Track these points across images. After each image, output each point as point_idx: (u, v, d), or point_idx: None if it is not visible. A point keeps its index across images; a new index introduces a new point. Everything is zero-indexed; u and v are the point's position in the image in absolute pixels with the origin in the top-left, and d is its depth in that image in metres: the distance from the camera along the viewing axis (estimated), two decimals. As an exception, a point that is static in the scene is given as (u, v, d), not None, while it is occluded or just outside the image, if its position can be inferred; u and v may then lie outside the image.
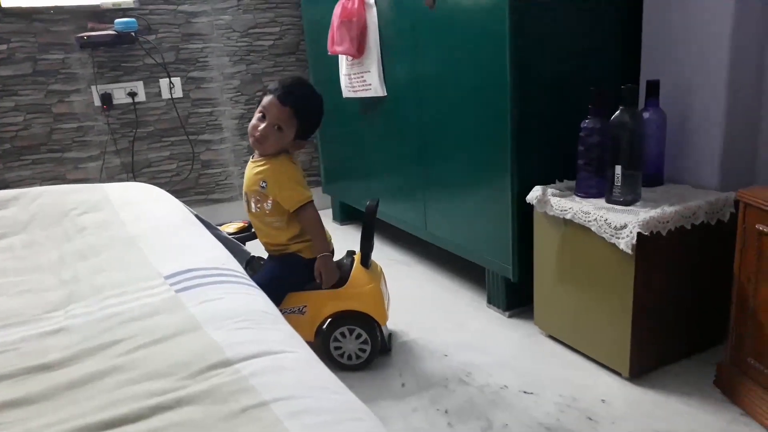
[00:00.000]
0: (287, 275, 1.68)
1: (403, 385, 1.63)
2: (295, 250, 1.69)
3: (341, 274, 1.69)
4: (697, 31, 1.60)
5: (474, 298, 2.12)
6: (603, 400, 1.50)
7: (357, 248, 1.75)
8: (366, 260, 1.71)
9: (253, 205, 1.69)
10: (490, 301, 2.03)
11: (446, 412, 1.50)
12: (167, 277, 1.08)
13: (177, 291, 1.02)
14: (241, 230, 1.79)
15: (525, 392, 1.56)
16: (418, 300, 2.14)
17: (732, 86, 1.56)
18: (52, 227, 1.43)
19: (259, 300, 1.03)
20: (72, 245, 1.30)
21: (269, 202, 1.65)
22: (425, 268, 2.43)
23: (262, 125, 1.61)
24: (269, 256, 1.75)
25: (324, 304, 1.67)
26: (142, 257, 1.20)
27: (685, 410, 1.44)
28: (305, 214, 1.65)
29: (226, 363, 0.79)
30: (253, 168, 1.68)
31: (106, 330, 0.91)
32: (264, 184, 1.64)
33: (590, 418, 1.44)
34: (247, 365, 0.78)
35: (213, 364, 0.79)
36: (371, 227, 1.71)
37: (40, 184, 2.66)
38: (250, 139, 1.66)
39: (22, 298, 1.06)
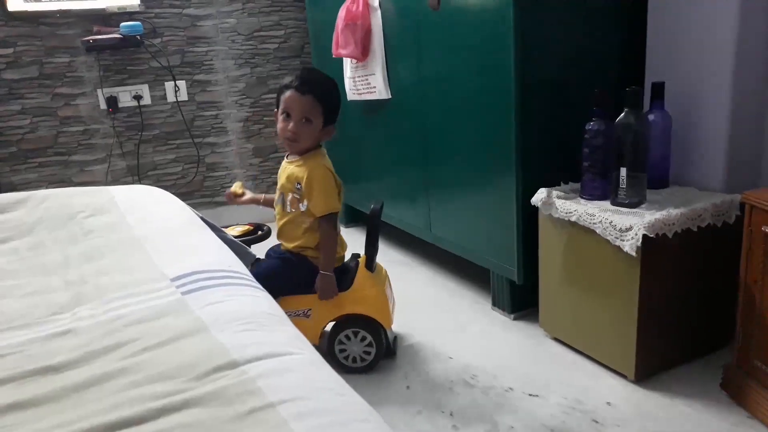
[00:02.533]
0: (289, 274, 1.67)
1: (408, 387, 1.63)
2: (313, 255, 1.69)
3: (346, 277, 1.69)
4: (702, 33, 1.60)
5: (478, 300, 2.12)
6: (608, 403, 1.50)
7: (361, 251, 1.75)
8: (371, 264, 1.71)
9: (288, 205, 1.69)
10: (495, 304, 2.03)
11: (451, 414, 1.50)
12: (173, 280, 1.08)
13: (183, 293, 1.02)
14: (246, 233, 1.79)
15: (530, 395, 1.56)
16: (423, 302, 2.14)
17: (737, 88, 1.55)
18: (58, 230, 1.43)
19: (265, 302, 1.03)
20: (78, 248, 1.31)
21: (305, 203, 1.66)
22: (429, 270, 2.43)
23: (291, 124, 1.62)
24: (279, 253, 1.75)
25: (328, 307, 1.67)
26: (148, 259, 1.20)
27: (691, 413, 1.44)
28: (324, 223, 1.65)
29: (233, 365, 0.79)
30: (288, 168, 1.69)
31: (113, 332, 0.91)
32: (299, 186, 1.65)
33: (595, 421, 1.44)
34: (254, 367, 0.78)
35: (219, 366, 0.79)
36: (376, 231, 1.71)
37: (47, 187, 2.67)
38: (285, 142, 1.66)
39: (28, 300, 1.06)
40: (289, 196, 1.68)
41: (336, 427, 0.67)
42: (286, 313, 1.62)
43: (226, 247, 1.34)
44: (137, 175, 2.94)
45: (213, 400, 0.72)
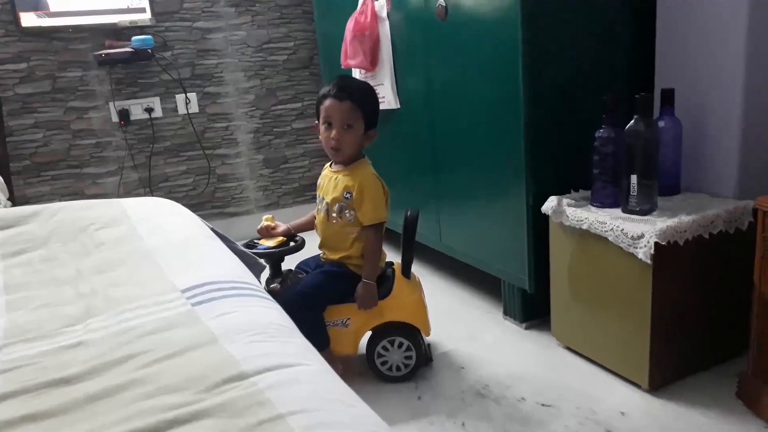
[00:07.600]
0: (333, 287, 1.67)
1: (419, 398, 1.62)
2: (356, 265, 1.69)
3: (384, 285, 1.69)
4: (711, 38, 1.59)
5: (490, 309, 2.11)
6: (622, 413, 1.48)
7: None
8: (407, 271, 1.72)
9: (335, 214, 1.69)
10: (507, 313, 2.02)
11: (463, 425, 1.49)
12: (184, 291, 1.09)
13: (193, 305, 1.03)
14: (281, 244, 1.79)
15: (543, 405, 1.54)
16: (434, 312, 2.12)
17: (748, 93, 1.54)
18: (70, 242, 1.44)
19: (275, 313, 1.04)
20: (90, 260, 1.32)
21: (353, 212, 1.66)
22: (440, 279, 2.42)
23: (334, 132, 1.63)
24: (318, 265, 1.75)
25: (369, 316, 1.67)
26: (159, 271, 1.21)
27: (706, 422, 1.42)
28: (371, 232, 1.66)
29: (242, 376, 0.79)
30: (334, 177, 1.70)
31: (124, 344, 0.91)
32: (349, 195, 1.65)
33: (609, 431, 1.42)
34: (263, 378, 0.78)
35: (229, 378, 0.79)
36: (412, 238, 1.71)
37: (60, 200, 2.70)
38: (330, 151, 1.67)
39: (41, 312, 1.07)
40: (336, 206, 1.68)
41: (346, 439, 0.67)
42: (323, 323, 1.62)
43: (236, 258, 1.34)
44: (149, 187, 2.97)
45: (223, 412, 0.72)
